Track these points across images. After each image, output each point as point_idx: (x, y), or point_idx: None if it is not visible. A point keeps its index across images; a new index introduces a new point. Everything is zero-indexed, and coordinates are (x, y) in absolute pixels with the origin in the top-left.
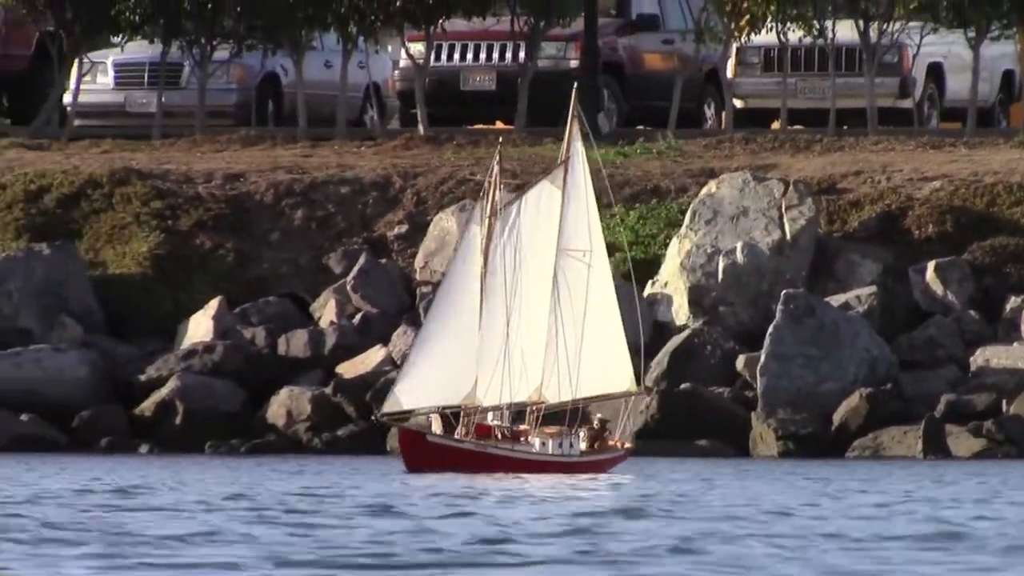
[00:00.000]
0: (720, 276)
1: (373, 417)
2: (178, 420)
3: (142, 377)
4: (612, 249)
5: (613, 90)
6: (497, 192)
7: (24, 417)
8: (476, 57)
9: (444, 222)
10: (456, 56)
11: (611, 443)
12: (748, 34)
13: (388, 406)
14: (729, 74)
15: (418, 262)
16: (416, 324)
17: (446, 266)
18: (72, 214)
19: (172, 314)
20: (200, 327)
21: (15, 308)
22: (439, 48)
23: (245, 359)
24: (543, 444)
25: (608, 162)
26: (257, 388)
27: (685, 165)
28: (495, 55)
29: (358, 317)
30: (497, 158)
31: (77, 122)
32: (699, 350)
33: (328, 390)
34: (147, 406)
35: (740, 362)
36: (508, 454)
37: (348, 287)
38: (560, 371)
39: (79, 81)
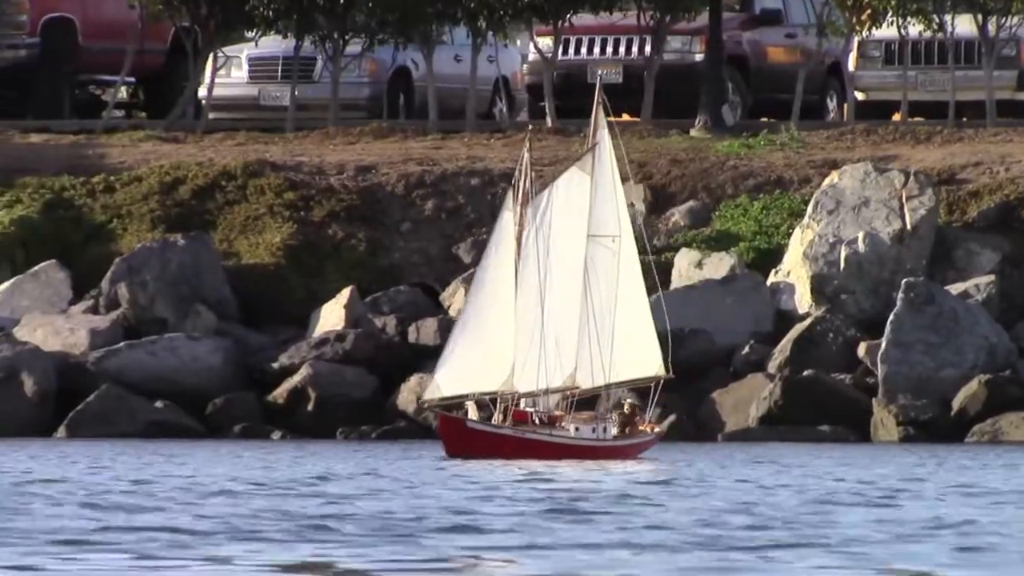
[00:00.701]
0: (842, 265)
1: (419, 405)
2: (310, 407)
3: (275, 365)
4: (736, 239)
5: (737, 83)
6: (527, 179)
7: (159, 404)
8: (603, 51)
9: None
10: (583, 49)
11: (641, 427)
12: (869, 28)
13: (429, 393)
14: (851, 67)
15: None
16: None
17: (484, 253)
18: (207, 205)
19: (305, 303)
20: (332, 316)
21: (150, 298)
22: (567, 42)
23: (376, 347)
24: (577, 429)
25: (732, 154)
26: (387, 375)
27: (808, 156)
28: (622, 49)
29: None
30: (527, 145)
31: (212, 115)
32: (821, 338)
33: None
34: (279, 393)
35: (861, 349)
36: (546, 439)
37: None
38: (592, 357)
39: (214, 75)
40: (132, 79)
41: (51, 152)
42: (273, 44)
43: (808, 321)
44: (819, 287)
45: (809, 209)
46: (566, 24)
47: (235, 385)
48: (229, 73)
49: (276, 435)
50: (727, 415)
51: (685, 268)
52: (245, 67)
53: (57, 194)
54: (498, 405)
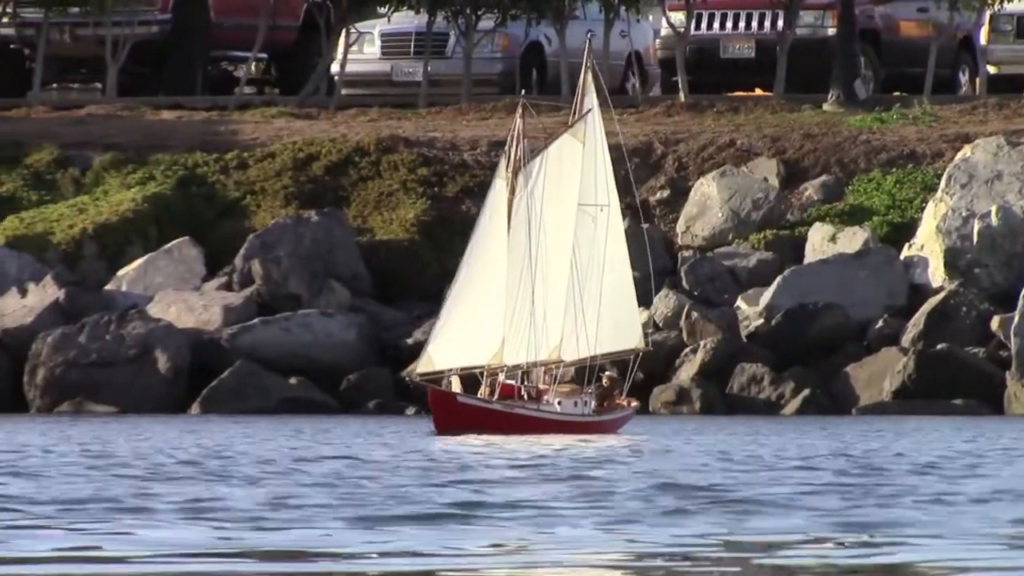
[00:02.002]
0: (975, 239)
1: (407, 378)
2: (443, 383)
3: (409, 340)
4: (869, 213)
5: (870, 57)
6: (519, 146)
7: (293, 380)
8: (736, 25)
9: (705, 187)
10: (716, 24)
11: (619, 401)
12: (1001, 2)
13: (422, 366)
14: (983, 41)
15: (679, 226)
16: (677, 288)
17: (477, 221)
18: (340, 181)
19: (438, 279)
20: None
21: (284, 274)
22: (699, 17)
23: None
24: (560, 403)
25: (865, 128)
26: None
27: (940, 130)
28: (754, 23)
29: None
30: (520, 111)
31: (344, 91)
32: (954, 311)
33: None
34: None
35: (995, 323)
36: (534, 414)
37: None
38: (577, 329)
39: (346, 51)
40: (264, 55)
41: (184, 129)
42: (406, 20)
43: (942, 295)
44: (952, 261)
45: (942, 183)
46: None
47: (369, 361)
48: (361, 49)
49: (410, 411)
50: (861, 389)
51: (819, 242)
52: (377, 43)
53: (190, 171)
54: (484, 378)
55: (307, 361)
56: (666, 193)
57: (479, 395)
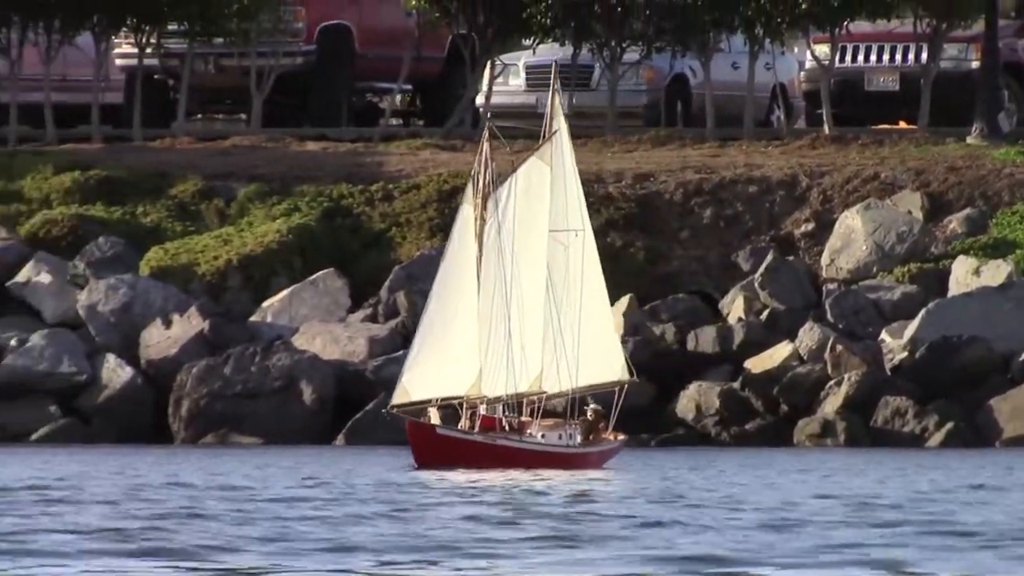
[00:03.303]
0: None
1: (384, 411)
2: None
3: None
4: (1013, 246)
5: (1013, 90)
6: (487, 171)
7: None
8: (880, 58)
9: (850, 220)
10: (860, 57)
11: (605, 435)
12: None
13: (397, 397)
14: None
15: (824, 259)
16: (822, 321)
17: (445, 249)
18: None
19: None
20: None
21: None
22: (843, 49)
23: (655, 354)
24: (543, 436)
25: (1009, 161)
26: (666, 383)
27: None
28: (898, 56)
29: (765, 313)
30: (486, 135)
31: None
32: None
33: (736, 385)
34: (559, 401)
35: None
36: (517, 446)
37: (756, 284)
38: (558, 360)
39: (491, 83)
40: (409, 87)
41: (329, 160)
42: (551, 51)
43: None
44: None
45: None
46: (843, 31)
47: None
48: (507, 81)
49: None
50: (1005, 421)
51: (962, 276)
52: (522, 75)
53: (335, 202)
54: (464, 410)
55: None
56: (811, 226)
57: (458, 427)
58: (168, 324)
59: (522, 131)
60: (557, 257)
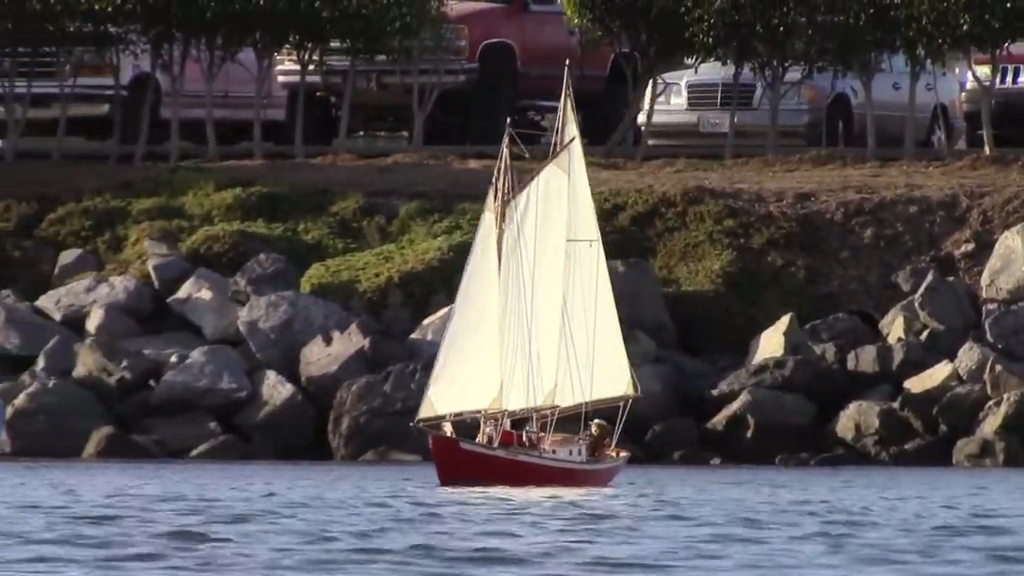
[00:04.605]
0: None
1: (411, 424)
2: (749, 433)
3: (714, 392)
4: None
5: None
6: (506, 177)
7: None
8: None
9: (1010, 240)
10: (1021, 78)
11: (608, 451)
12: None
13: (424, 411)
14: None
15: (984, 280)
16: (981, 341)
17: (469, 259)
18: (646, 232)
19: (744, 330)
20: (771, 343)
21: None
22: (1004, 70)
23: (814, 374)
24: (555, 452)
25: None
26: (826, 402)
27: None
28: None
29: (925, 333)
30: (506, 140)
31: (651, 141)
32: None
33: (896, 404)
34: (718, 420)
35: None
36: (538, 462)
37: (916, 304)
38: (572, 373)
39: (653, 102)
40: None
41: (490, 177)
42: (712, 71)
43: None
44: None
45: None
46: (1004, 52)
47: (674, 411)
48: (668, 100)
49: (715, 461)
50: None
51: None
52: (684, 94)
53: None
54: (483, 424)
55: (613, 411)
56: (971, 247)
57: (477, 441)
58: (328, 341)
59: (683, 149)
60: (575, 267)
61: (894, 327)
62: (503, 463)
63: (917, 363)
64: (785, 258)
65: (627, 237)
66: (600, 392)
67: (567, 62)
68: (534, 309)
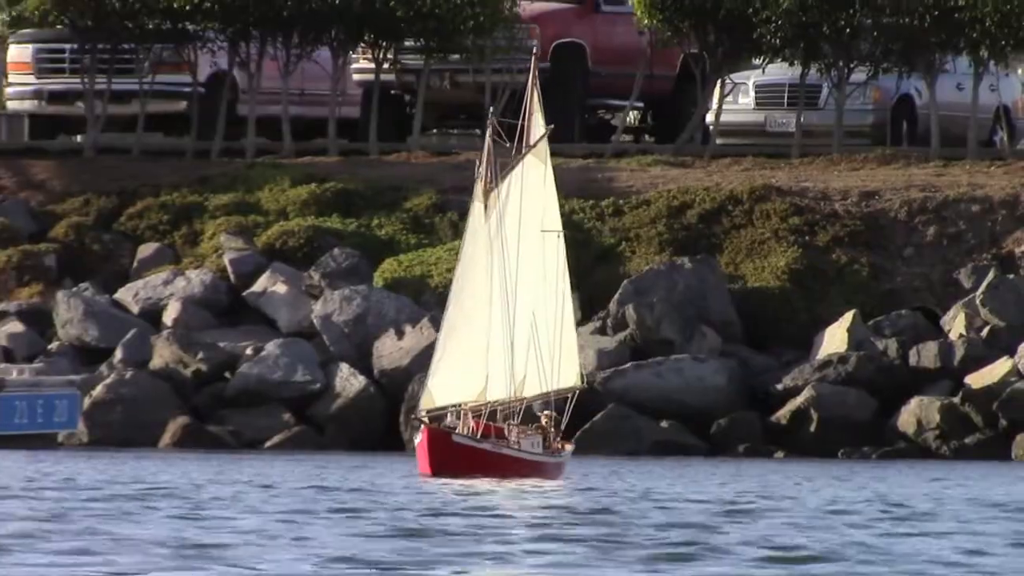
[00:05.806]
0: None
1: (414, 416)
2: (812, 427)
3: (778, 386)
4: None
5: None
6: (490, 167)
7: (664, 424)
8: None
9: None
10: None
11: (556, 443)
12: None
13: (425, 402)
14: None
15: None
16: None
17: (460, 248)
18: (713, 229)
19: (808, 326)
20: (835, 338)
21: (657, 319)
22: None
23: (877, 369)
24: (533, 444)
25: None
26: (888, 397)
27: None
28: None
29: (986, 330)
30: (489, 129)
31: (719, 140)
32: None
33: (956, 400)
34: (782, 414)
35: None
36: (519, 455)
37: (977, 301)
38: (539, 364)
39: (721, 101)
40: (641, 104)
41: (560, 175)
42: (779, 71)
43: None
44: None
45: None
46: None
47: (739, 405)
48: (736, 99)
49: (779, 455)
50: None
51: None
52: (752, 93)
53: (567, 217)
54: (461, 416)
55: (679, 405)
56: None
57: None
58: (400, 335)
59: (751, 148)
60: (546, 258)
61: (955, 323)
62: (491, 456)
63: (978, 359)
64: (849, 255)
65: (694, 234)
66: (561, 383)
67: (532, 47)
68: (518, 299)
